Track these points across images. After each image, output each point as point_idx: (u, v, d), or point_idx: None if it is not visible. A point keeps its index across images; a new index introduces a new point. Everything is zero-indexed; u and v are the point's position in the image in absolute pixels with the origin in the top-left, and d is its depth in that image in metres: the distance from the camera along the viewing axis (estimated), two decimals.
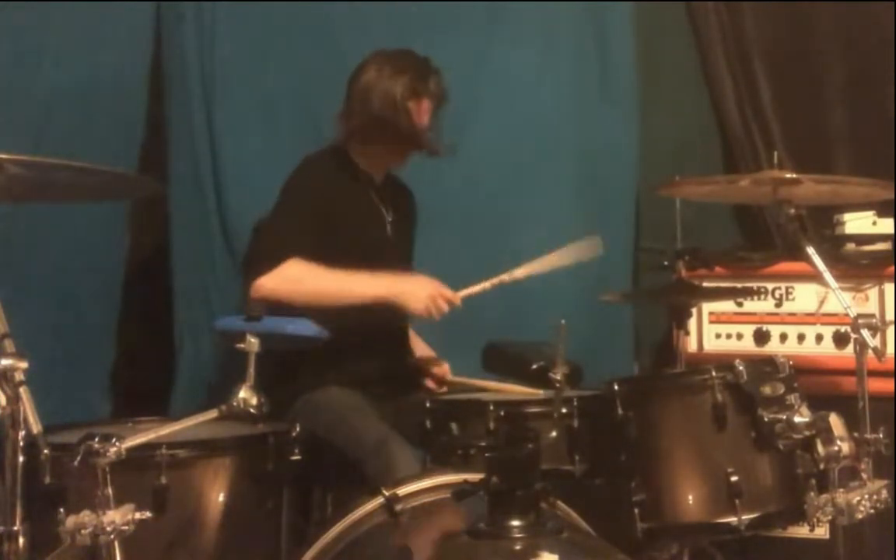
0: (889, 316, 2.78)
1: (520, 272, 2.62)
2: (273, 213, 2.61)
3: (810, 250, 2.27)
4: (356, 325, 2.52)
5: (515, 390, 2.52)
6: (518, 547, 1.60)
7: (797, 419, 2.05)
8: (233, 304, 2.98)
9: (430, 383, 2.86)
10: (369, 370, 2.63)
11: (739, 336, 2.98)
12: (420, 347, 2.92)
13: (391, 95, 2.62)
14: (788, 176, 2.30)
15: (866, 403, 2.15)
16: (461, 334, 3.00)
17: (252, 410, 1.77)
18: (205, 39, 3.14)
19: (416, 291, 2.53)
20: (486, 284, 2.62)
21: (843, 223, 2.96)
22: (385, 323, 2.66)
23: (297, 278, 2.46)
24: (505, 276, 2.61)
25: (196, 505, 1.88)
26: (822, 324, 2.89)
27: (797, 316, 2.93)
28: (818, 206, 2.91)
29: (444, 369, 2.87)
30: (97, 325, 3.02)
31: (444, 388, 2.83)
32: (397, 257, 2.80)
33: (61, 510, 1.54)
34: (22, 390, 1.51)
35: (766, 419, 2.08)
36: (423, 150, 2.69)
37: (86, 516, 1.52)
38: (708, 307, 3.01)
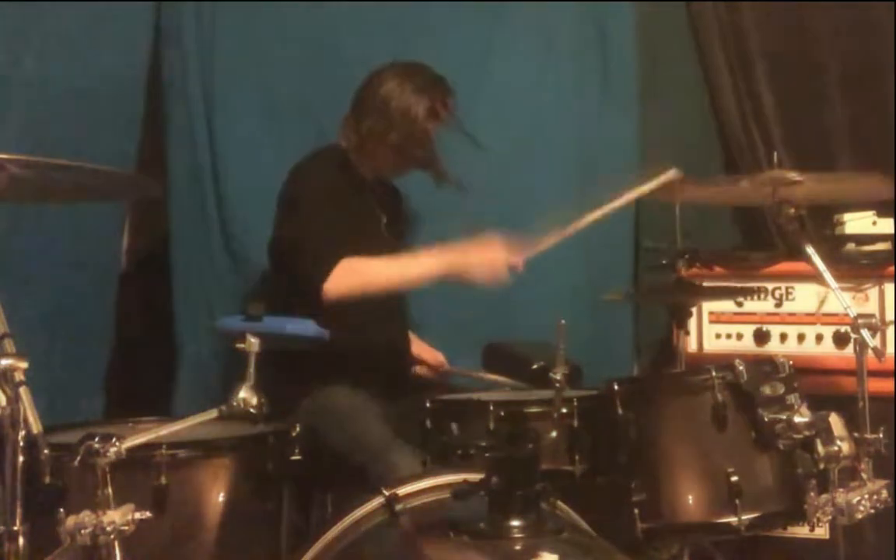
0: (889, 316, 2.78)
1: (585, 218, 2.55)
2: (299, 220, 2.57)
3: (810, 250, 2.27)
4: (358, 325, 2.53)
5: (511, 383, 2.52)
6: (518, 547, 1.61)
7: (797, 419, 2.05)
8: (233, 303, 2.98)
9: (423, 370, 2.85)
10: (372, 370, 2.63)
11: (739, 336, 2.98)
12: (417, 346, 2.92)
13: (413, 115, 2.63)
14: (789, 176, 2.30)
15: (866, 403, 2.15)
16: (461, 334, 3.01)
17: (252, 410, 1.76)
18: (205, 39, 3.14)
19: (480, 266, 2.47)
20: (551, 239, 2.54)
21: (843, 223, 2.96)
22: (385, 314, 2.67)
23: (359, 274, 2.45)
24: (570, 227, 2.53)
25: (196, 505, 1.87)
26: (822, 324, 2.89)
27: (797, 316, 2.93)
28: (818, 205, 2.92)
29: (439, 359, 2.87)
30: (97, 325, 3.02)
31: (440, 369, 2.84)
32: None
33: (61, 510, 1.54)
34: (22, 390, 1.51)
35: (766, 419, 2.08)
36: (436, 176, 2.70)
37: (86, 516, 1.52)
38: (708, 307, 3.00)
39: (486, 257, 2.46)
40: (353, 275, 2.45)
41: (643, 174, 2.55)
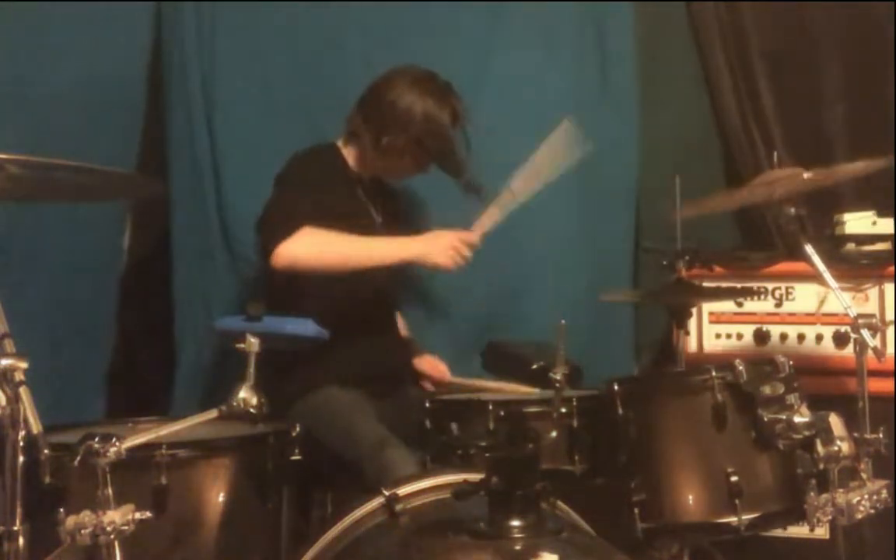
0: (889, 316, 2.78)
1: (518, 184, 2.60)
2: (275, 194, 2.60)
3: (810, 250, 2.27)
4: (355, 321, 2.53)
5: (515, 390, 2.52)
6: (518, 547, 1.61)
7: (797, 419, 2.05)
8: (233, 304, 2.98)
9: (427, 386, 2.86)
10: (369, 369, 2.63)
11: (739, 336, 2.98)
12: (419, 360, 2.92)
13: (440, 121, 2.65)
14: (785, 172, 2.30)
15: (866, 403, 2.15)
16: (461, 334, 3.01)
17: (252, 410, 1.76)
18: (205, 39, 3.14)
19: (437, 246, 2.55)
20: (494, 213, 2.60)
21: (843, 223, 2.97)
22: (379, 315, 2.67)
23: (316, 242, 2.46)
24: (507, 195, 2.60)
25: (196, 505, 1.88)
26: (822, 324, 2.89)
27: (797, 316, 2.93)
28: (818, 205, 2.92)
29: (441, 370, 2.87)
30: (97, 325, 3.02)
31: (443, 382, 2.84)
32: None
33: (61, 510, 1.54)
34: (22, 390, 1.51)
35: (766, 419, 2.08)
36: (461, 181, 2.72)
37: (86, 516, 1.52)
38: (708, 307, 3.00)
39: (442, 241, 2.54)
40: (311, 241, 2.45)
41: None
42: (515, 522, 1.62)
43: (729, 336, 2.99)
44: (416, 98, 2.65)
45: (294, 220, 2.46)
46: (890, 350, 2.68)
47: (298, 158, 2.67)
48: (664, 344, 3.15)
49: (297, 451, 2.02)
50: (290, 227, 2.45)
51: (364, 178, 2.77)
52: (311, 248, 2.46)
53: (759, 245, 3.25)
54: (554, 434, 2.12)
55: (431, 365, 2.90)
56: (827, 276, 2.25)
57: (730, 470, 2.08)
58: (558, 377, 2.05)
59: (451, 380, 2.84)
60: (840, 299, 2.24)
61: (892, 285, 2.81)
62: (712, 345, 3.01)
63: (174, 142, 3.15)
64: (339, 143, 2.78)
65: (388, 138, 2.66)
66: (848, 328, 2.26)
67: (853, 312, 2.19)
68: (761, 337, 2.94)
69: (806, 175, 2.27)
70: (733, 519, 2.08)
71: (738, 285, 2.95)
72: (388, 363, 2.73)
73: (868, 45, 3.27)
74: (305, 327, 1.98)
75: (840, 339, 2.84)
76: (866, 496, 2.02)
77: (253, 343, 1.83)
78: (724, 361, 2.17)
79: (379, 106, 2.68)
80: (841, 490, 2.01)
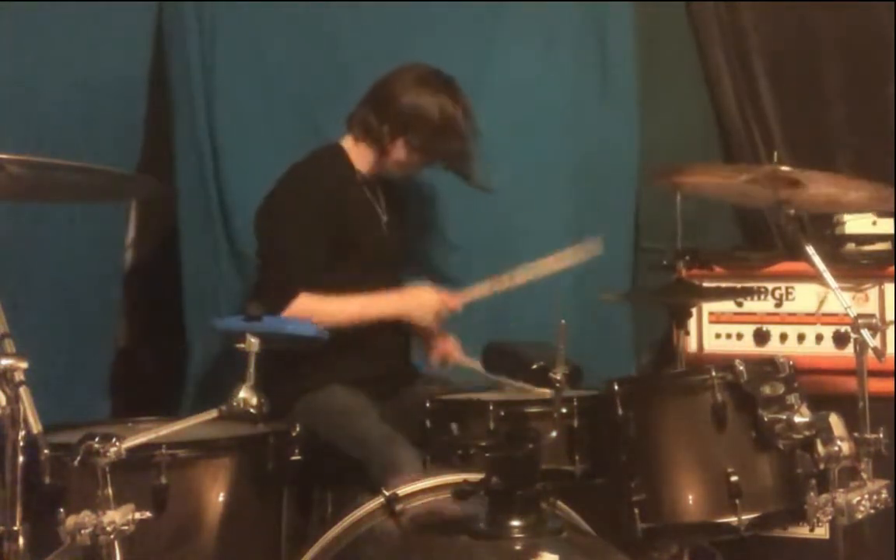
0: (889, 316, 2.78)
1: (520, 275, 2.68)
2: (272, 233, 2.62)
3: (810, 250, 2.27)
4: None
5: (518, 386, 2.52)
6: (518, 547, 1.61)
7: (797, 419, 2.05)
8: (239, 303, 2.98)
9: (433, 356, 2.84)
10: (370, 369, 2.64)
11: (739, 336, 2.98)
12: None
13: (455, 119, 2.68)
14: (789, 171, 2.30)
15: (866, 403, 2.15)
16: (461, 334, 3.00)
17: (252, 410, 1.76)
18: (205, 39, 3.14)
19: (421, 307, 2.67)
20: (485, 289, 2.70)
21: (843, 223, 2.96)
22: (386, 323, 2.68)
23: (311, 312, 2.45)
24: (505, 280, 2.66)
25: (196, 505, 1.88)
26: (822, 324, 2.89)
27: (797, 316, 2.93)
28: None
29: (449, 345, 2.86)
30: (98, 325, 3.02)
31: (447, 363, 2.83)
32: (393, 257, 2.81)
33: (61, 510, 1.54)
34: (22, 390, 1.51)
35: (766, 419, 2.08)
36: (469, 176, 2.76)
37: (86, 516, 1.52)
38: (708, 307, 3.00)
39: (430, 302, 2.68)
40: (307, 312, 2.45)
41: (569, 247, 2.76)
42: (515, 522, 1.62)
43: (729, 336, 2.99)
44: (430, 96, 2.68)
45: (287, 291, 2.48)
46: (890, 350, 2.67)
47: (298, 177, 2.66)
48: (664, 344, 3.15)
49: (297, 451, 2.02)
50: (287, 295, 2.47)
51: (369, 176, 2.77)
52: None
53: (759, 245, 3.25)
54: (554, 434, 2.12)
55: (440, 337, 2.89)
56: (827, 276, 2.25)
57: (730, 470, 2.08)
58: (558, 377, 2.05)
59: (458, 358, 2.84)
60: (840, 299, 2.24)
61: (892, 285, 2.81)
62: (712, 345, 3.00)
63: (177, 141, 3.15)
64: (343, 143, 2.77)
65: (399, 136, 2.67)
66: (848, 328, 2.25)
67: (853, 312, 2.19)
68: (761, 337, 2.94)
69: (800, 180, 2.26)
70: (733, 519, 2.07)
71: (738, 285, 2.94)
72: (388, 363, 2.73)
73: (868, 44, 3.27)
74: (305, 327, 1.98)
75: (840, 339, 2.84)
76: (866, 496, 2.02)
77: (253, 343, 1.83)
78: (724, 361, 2.17)
79: (393, 105, 2.69)
80: (841, 490, 2.00)
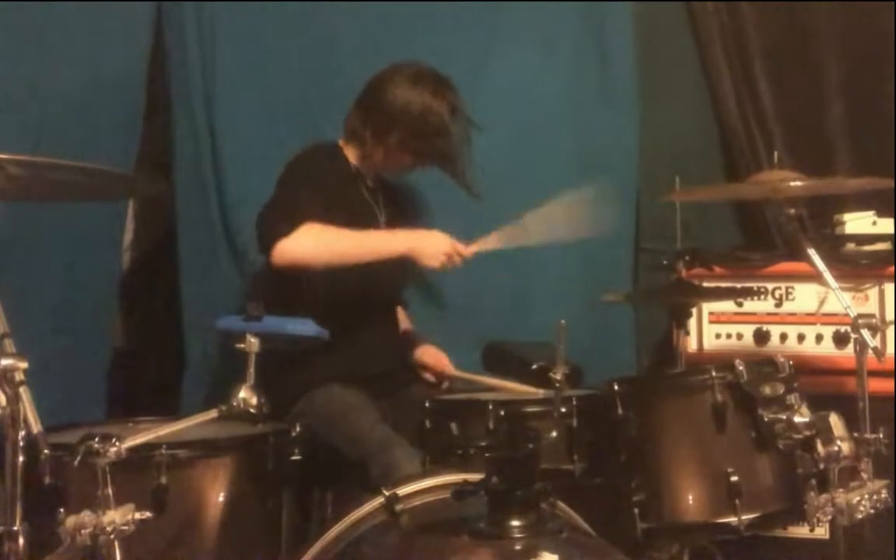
0: (889, 316, 2.78)
1: (529, 224, 2.60)
2: (277, 191, 2.61)
3: (810, 250, 2.27)
4: (356, 321, 2.53)
5: (516, 388, 2.52)
6: (518, 547, 1.61)
7: (797, 419, 2.05)
8: (237, 303, 2.98)
9: (429, 377, 2.85)
10: (370, 368, 2.63)
11: (739, 336, 2.98)
12: (422, 351, 2.91)
13: (441, 117, 2.65)
14: (789, 180, 2.30)
15: (866, 403, 2.15)
16: (462, 333, 3.01)
17: (252, 410, 1.77)
18: (205, 39, 3.14)
19: (431, 246, 2.59)
20: (496, 240, 2.62)
21: (843, 223, 2.96)
22: (380, 315, 2.67)
23: (317, 238, 2.46)
24: (516, 231, 2.60)
25: (196, 505, 1.88)
26: (822, 324, 2.89)
27: (797, 316, 2.93)
28: (818, 205, 2.92)
29: (442, 362, 2.86)
30: (97, 325, 3.03)
31: (444, 383, 2.83)
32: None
33: (61, 510, 1.54)
34: (22, 390, 1.51)
35: (766, 419, 2.08)
36: (456, 174, 2.72)
37: (86, 516, 1.52)
38: (708, 307, 3.00)
39: (440, 244, 2.59)
40: (309, 238, 2.45)
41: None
42: (515, 522, 1.62)
43: (729, 336, 2.99)
44: (413, 93, 2.65)
45: (294, 217, 2.46)
46: (890, 350, 2.68)
47: (301, 155, 2.67)
48: (664, 344, 3.15)
49: (297, 451, 2.02)
50: (290, 225, 2.45)
51: (367, 176, 2.78)
52: (308, 246, 2.46)
53: (759, 245, 3.24)
54: (554, 434, 2.12)
55: (434, 357, 2.88)
56: (827, 276, 2.25)
57: (730, 470, 2.08)
58: (558, 377, 2.05)
59: (452, 372, 2.84)
60: (840, 299, 2.24)
61: (892, 285, 2.81)
62: (712, 345, 3.00)
63: (177, 141, 3.15)
64: (341, 142, 2.78)
65: (385, 134, 2.66)
66: (848, 328, 2.26)
67: (853, 312, 2.19)
68: (761, 337, 2.94)
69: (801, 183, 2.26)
70: (733, 519, 2.08)
71: (738, 285, 2.94)
72: (388, 363, 2.73)
73: (868, 44, 3.27)
74: (305, 327, 1.98)
75: (840, 339, 2.84)
76: (866, 496, 2.02)
77: (253, 343, 1.83)
78: (724, 361, 2.17)
79: (376, 102, 2.68)
80: (841, 490, 2.01)
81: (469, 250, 2.62)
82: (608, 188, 3.32)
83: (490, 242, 2.63)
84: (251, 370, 1.80)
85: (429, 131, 2.65)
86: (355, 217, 2.67)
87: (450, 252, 2.58)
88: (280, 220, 2.48)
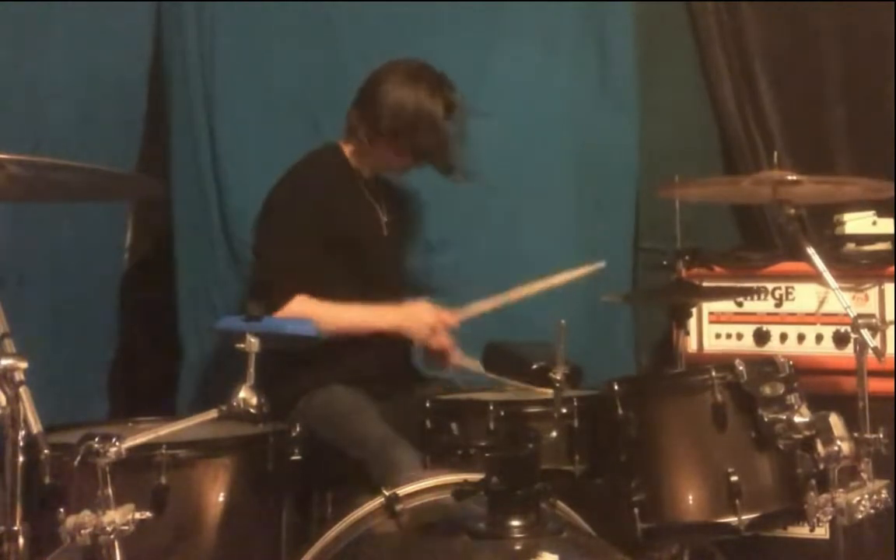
0: (889, 316, 2.78)
1: (519, 294, 2.63)
2: (270, 235, 2.61)
3: (810, 250, 2.27)
4: None
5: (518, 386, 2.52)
6: (518, 547, 1.60)
7: (797, 419, 2.05)
8: (235, 303, 2.98)
9: (431, 359, 2.84)
10: (369, 368, 2.63)
11: (739, 336, 2.98)
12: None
13: (432, 114, 2.64)
14: (789, 177, 2.30)
15: (866, 403, 2.15)
16: (461, 333, 3.00)
17: (252, 410, 1.76)
18: (205, 39, 3.15)
19: (419, 322, 2.61)
20: (484, 306, 2.65)
21: (843, 223, 2.96)
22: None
23: (306, 315, 2.44)
24: (504, 298, 2.63)
25: (196, 505, 1.87)
26: (822, 324, 2.89)
27: (797, 316, 2.93)
28: (818, 205, 2.91)
29: (447, 346, 2.85)
30: (97, 325, 3.02)
31: (446, 365, 2.83)
32: (393, 258, 2.81)
33: (61, 510, 1.54)
34: (22, 390, 1.51)
35: (766, 419, 2.08)
36: (449, 171, 2.72)
37: (86, 516, 1.52)
38: (708, 307, 3.00)
39: (426, 318, 2.62)
40: (302, 317, 2.42)
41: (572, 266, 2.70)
42: (515, 522, 1.62)
43: (729, 336, 2.99)
44: (405, 91, 2.64)
45: (285, 287, 2.47)
46: (890, 350, 2.68)
47: (296, 178, 2.65)
48: (664, 344, 3.15)
49: (297, 451, 2.02)
50: (281, 296, 2.45)
51: (367, 176, 2.77)
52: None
53: (759, 245, 3.25)
54: (554, 434, 2.12)
55: (439, 342, 2.88)
56: (827, 276, 2.25)
57: (730, 470, 2.08)
58: (558, 377, 2.05)
59: (457, 361, 2.83)
60: (840, 299, 2.24)
61: (892, 285, 2.81)
62: (712, 345, 3.01)
63: (176, 141, 3.15)
64: (341, 143, 2.78)
65: (379, 132, 2.66)
66: (848, 328, 2.25)
67: (853, 312, 2.19)
68: (761, 337, 2.94)
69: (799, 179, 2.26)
70: (733, 519, 2.07)
71: (738, 285, 2.95)
72: (389, 364, 2.73)
73: (868, 45, 3.27)
74: (305, 327, 1.98)
75: (840, 339, 2.84)
76: (866, 496, 2.02)
77: (253, 343, 1.82)
78: (724, 361, 2.17)
79: (372, 100, 2.68)
80: (841, 490, 2.01)
81: (454, 319, 2.65)
82: (608, 188, 3.36)
83: (478, 310, 2.66)
84: (251, 370, 1.80)
85: (419, 128, 2.63)
86: (356, 219, 2.67)
87: (434, 324, 2.61)
88: (271, 290, 2.47)
